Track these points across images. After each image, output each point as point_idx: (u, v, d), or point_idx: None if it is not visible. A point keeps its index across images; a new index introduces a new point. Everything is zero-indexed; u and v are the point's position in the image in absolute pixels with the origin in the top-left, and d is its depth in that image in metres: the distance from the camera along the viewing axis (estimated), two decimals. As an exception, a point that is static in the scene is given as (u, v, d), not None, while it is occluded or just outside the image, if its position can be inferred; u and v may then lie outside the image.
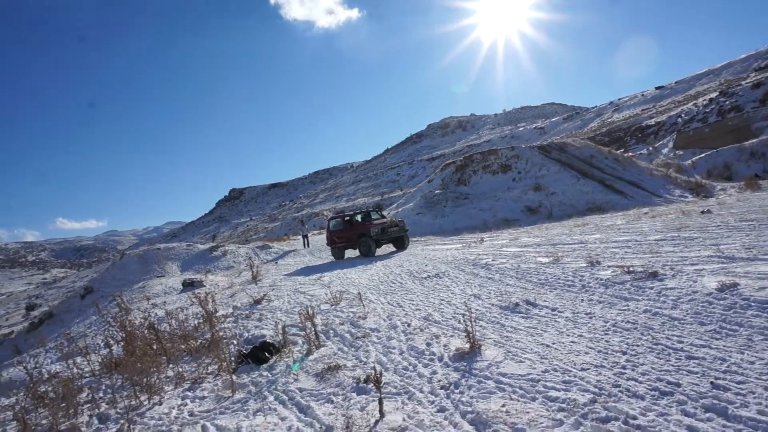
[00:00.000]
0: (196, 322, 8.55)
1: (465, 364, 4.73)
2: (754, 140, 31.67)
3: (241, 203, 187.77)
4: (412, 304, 7.69)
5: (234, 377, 5.38)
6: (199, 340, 7.22)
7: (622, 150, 47.47)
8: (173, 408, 4.79)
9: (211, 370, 5.91)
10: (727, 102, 51.96)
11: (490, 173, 29.21)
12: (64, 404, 5.00)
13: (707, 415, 3.21)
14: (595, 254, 8.91)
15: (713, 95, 57.48)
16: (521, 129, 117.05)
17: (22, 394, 5.78)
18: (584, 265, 8.08)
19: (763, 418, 3.05)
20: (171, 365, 6.36)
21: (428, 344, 5.53)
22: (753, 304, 4.84)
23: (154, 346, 6.98)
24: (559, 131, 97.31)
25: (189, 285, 14.60)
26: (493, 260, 10.21)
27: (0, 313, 61.21)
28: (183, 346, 7.09)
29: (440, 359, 5.00)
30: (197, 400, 4.96)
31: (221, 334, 7.45)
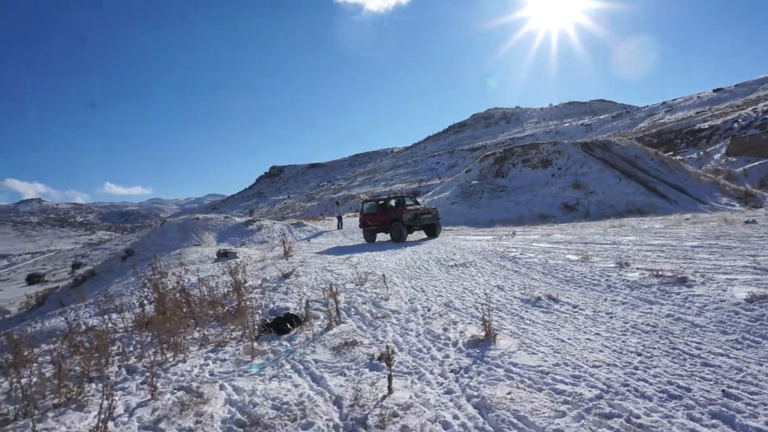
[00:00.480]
0: (225, 290, 8.86)
1: (478, 351, 4.80)
2: (815, 151, 30.09)
3: (281, 181, 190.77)
4: (435, 290, 7.76)
5: (255, 344, 5.61)
6: (227, 307, 7.50)
7: (670, 153, 45.75)
8: (195, 366, 5.05)
9: (234, 336, 6.16)
10: (790, 110, 49.33)
11: (530, 167, 28.76)
12: (96, 354, 5.33)
13: (713, 421, 3.19)
14: (626, 256, 8.75)
15: (775, 101, 54.62)
16: (567, 125, 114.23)
17: (60, 342, 6.18)
18: (613, 265, 7.97)
19: (770, 429, 3.02)
20: (198, 328, 6.65)
21: (445, 329, 5.61)
22: (781, 317, 4.71)
23: (184, 309, 7.30)
24: (606, 129, 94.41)
25: (223, 255, 15.06)
26: (521, 254, 10.16)
27: (48, 269, 64.55)
28: (211, 312, 7.39)
29: (455, 344, 5.08)
30: (218, 362, 5.20)
31: (248, 303, 7.72)
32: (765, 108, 54.25)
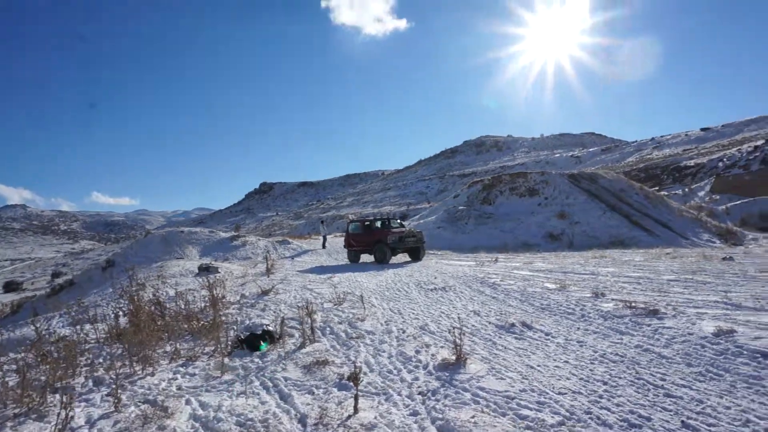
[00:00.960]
0: (202, 304, 8.80)
1: (448, 374, 4.81)
2: (794, 193, 30.75)
3: (270, 198, 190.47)
4: (413, 313, 7.77)
5: (227, 360, 5.58)
6: (202, 322, 7.45)
7: (656, 188, 46.49)
8: (163, 380, 5.01)
9: (207, 350, 6.11)
10: (773, 151, 50.47)
11: (517, 195, 29.06)
12: (64, 364, 5.26)
13: (669, 451, 3.23)
14: (603, 286, 8.85)
15: (759, 143, 55.92)
16: (557, 156, 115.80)
17: (26, 350, 6.09)
18: (589, 295, 8.06)
19: (723, 460, 3.06)
20: (171, 342, 6.60)
21: (417, 352, 5.63)
22: (745, 352, 4.80)
23: (159, 322, 7.24)
24: (595, 162, 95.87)
25: (204, 270, 14.95)
26: (501, 281, 10.23)
27: (27, 277, 63.36)
28: (186, 326, 7.32)
29: (425, 367, 5.09)
30: (187, 376, 5.16)
31: (223, 318, 7.68)
32: (749, 149, 55.50)
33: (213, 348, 6.11)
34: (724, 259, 13.09)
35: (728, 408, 3.76)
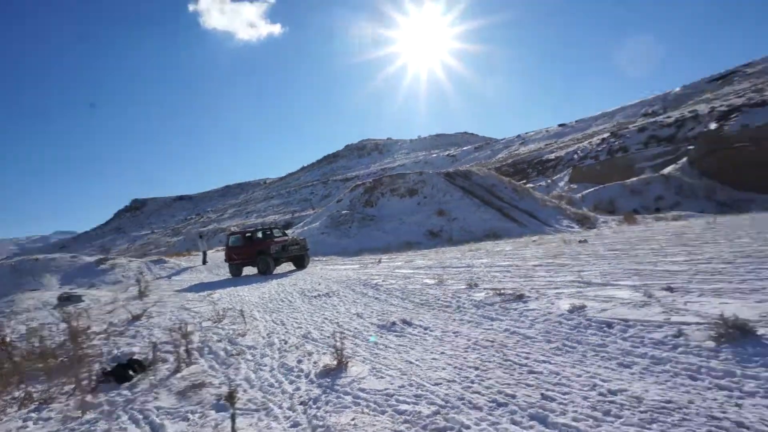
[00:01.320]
0: (61, 339, 7.94)
1: (329, 380, 4.80)
2: (635, 179, 35.03)
3: (143, 215, 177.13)
4: (296, 323, 7.67)
5: (89, 397, 5.08)
6: (60, 359, 6.71)
7: (524, 181, 50.46)
8: (10, 431, 4.43)
9: (66, 389, 5.52)
10: (617, 143, 56.97)
11: (398, 196, 29.93)
12: None
13: (531, 423, 3.50)
14: (477, 277, 9.41)
15: (605, 135, 62.92)
16: (434, 156, 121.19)
17: None
18: (464, 287, 8.51)
19: (575, 423, 3.38)
20: (22, 385, 5.86)
21: (299, 361, 5.55)
22: (593, 324, 5.36)
23: (5, 365, 6.40)
24: (469, 160, 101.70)
25: (65, 299, 13.51)
26: (383, 281, 10.46)
27: None
28: (41, 365, 6.55)
29: (306, 376, 5.03)
30: (41, 422, 4.61)
31: (87, 351, 6.98)
32: (598, 141, 62.16)
33: (73, 386, 5.53)
34: (580, 242, 14.57)
35: (579, 376, 4.16)
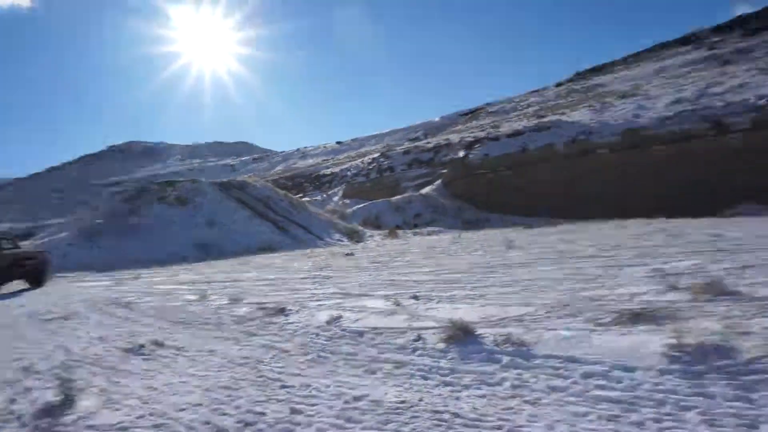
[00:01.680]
0: None
1: (49, 421, 4.08)
2: (399, 197, 38.73)
3: None
4: (18, 353, 6.40)
5: None
6: None
7: (300, 195, 51.62)
8: None
9: None
10: (385, 162, 62.24)
11: (166, 205, 27.67)
12: None
13: (276, 440, 3.49)
14: (242, 291, 9.17)
15: (376, 155, 68.29)
16: (211, 164, 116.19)
17: None
18: (227, 302, 8.21)
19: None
20: None
21: (12, 401, 4.61)
22: (347, 334, 5.65)
23: None
24: (248, 170, 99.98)
25: None
26: (138, 299, 9.47)
27: None
28: None
29: (19, 419, 4.19)
30: None
31: None
32: (369, 160, 66.95)
33: None
34: (346, 254, 15.42)
35: (329, 386, 4.31)
